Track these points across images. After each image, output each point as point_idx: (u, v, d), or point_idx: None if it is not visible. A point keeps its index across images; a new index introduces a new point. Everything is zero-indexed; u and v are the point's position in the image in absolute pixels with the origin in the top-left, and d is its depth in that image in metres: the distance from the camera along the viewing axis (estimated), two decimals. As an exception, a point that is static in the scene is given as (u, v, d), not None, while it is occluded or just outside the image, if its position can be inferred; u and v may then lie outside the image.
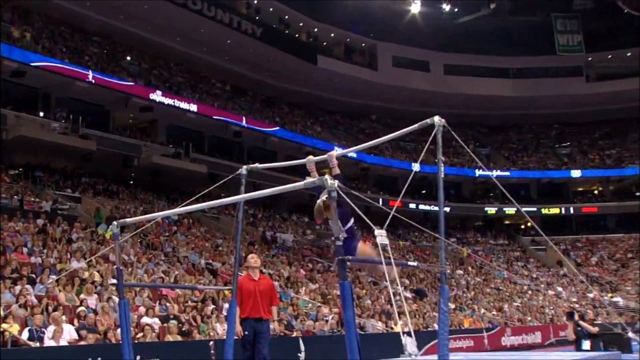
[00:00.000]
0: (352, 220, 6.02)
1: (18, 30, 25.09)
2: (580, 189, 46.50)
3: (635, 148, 45.61)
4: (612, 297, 33.14)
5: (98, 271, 14.39)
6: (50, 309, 11.20)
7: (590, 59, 44.55)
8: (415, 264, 5.42)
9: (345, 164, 37.99)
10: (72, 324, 11.02)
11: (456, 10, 41.56)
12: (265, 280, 7.77)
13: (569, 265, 33.67)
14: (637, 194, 44.48)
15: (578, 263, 39.15)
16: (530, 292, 32.01)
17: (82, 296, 12.44)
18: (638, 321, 27.28)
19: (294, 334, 13.69)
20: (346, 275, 4.08)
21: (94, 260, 14.26)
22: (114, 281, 12.88)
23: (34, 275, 12.78)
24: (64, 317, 10.93)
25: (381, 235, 4.11)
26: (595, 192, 46.33)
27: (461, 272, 32.28)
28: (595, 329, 10.98)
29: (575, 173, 43.86)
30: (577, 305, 27.57)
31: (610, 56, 44.84)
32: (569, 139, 48.54)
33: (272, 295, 7.63)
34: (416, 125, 5.96)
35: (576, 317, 11.21)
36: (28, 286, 11.99)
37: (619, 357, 8.77)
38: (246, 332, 7.20)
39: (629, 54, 44.26)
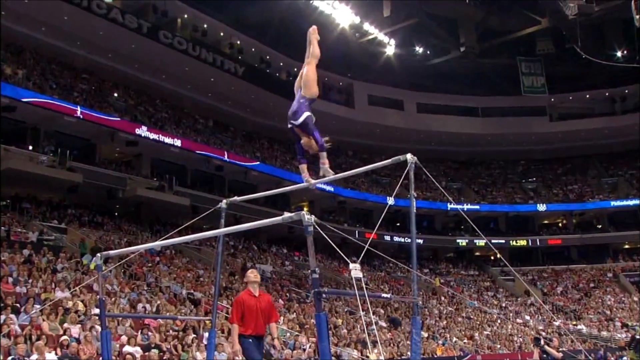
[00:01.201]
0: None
1: (10, 67, 25.00)
2: (546, 221, 46.94)
3: (594, 183, 46.41)
4: (576, 325, 33.29)
5: (82, 301, 14.16)
6: (33, 338, 10.98)
7: (552, 99, 45.41)
8: (388, 295, 5.45)
9: (322, 197, 38.15)
10: (55, 353, 10.80)
11: (428, 52, 42.35)
12: (265, 297, 7.17)
13: (535, 295, 33.87)
14: (598, 226, 45.11)
15: (544, 292, 39.36)
16: (499, 320, 32.02)
17: (65, 325, 12.22)
18: (601, 348, 27.43)
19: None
20: (322, 307, 4.08)
21: (78, 290, 14.05)
22: (97, 311, 12.68)
23: (18, 305, 12.53)
24: (47, 347, 10.70)
25: (355, 269, 4.12)
26: (559, 224, 46.81)
27: (434, 301, 32.25)
28: (560, 355, 11.02)
29: (541, 207, 44.31)
30: (544, 333, 27.60)
31: (571, 97, 45.87)
32: (534, 174, 49.15)
33: (272, 312, 7.04)
34: (389, 160, 6.03)
35: (542, 342, 11.23)
36: (12, 315, 11.77)
37: (583, 384, 8.79)
38: (248, 350, 6.57)
39: (587, 96, 45.49)
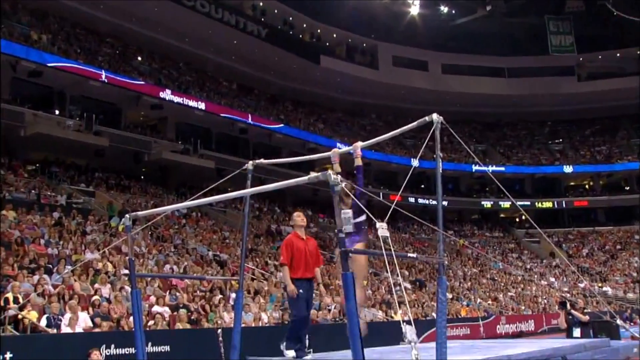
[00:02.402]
0: (363, 217, 6.02)
1: (36, 33, 25.12)
2: (572, 183, 46.45)
3: (623, 145, 45.57)
4: (601, 287, 33.15)
5: (111, 262, 14.44)
6: (66, 297, 11.26)
7: (581, 59, 44.48)
8: (414, 255, 5.43)
9: (347, 160, 37.95)
10: (87, 312, 11.08)
11: (453, 12, 41.54)
12: (312, 241, 7.10)
13: (561, 256, 33.73)
14: (626, 188, 44.47)
15: (570, 254, 39.16)
16: (524, 282, 32.02)
17: (96, 286, 12.50)
18: (627, 309, 27.32)
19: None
20: (348, 267, 4.09)
21: (107, 251, 14.31)
22: (127, 272, 12.93)
23: (50, 266, 12.83)
24: (79, 306, 10.98)
25: (382, 228, 4.11)
26: (586, 186, 46.27)
27: (458, 263, 32.30)
28: (586, 317, 10.99)
29: (567, 168, 43.81)
30: (568, 295, 27.57)
31: (600, 57, 44.81)
32: (561, 136, 48.47)
33: (318, 256, 7.01)
34: (415, 123, 5.95)
35: (568, 306, 11.21)
36: (45, 276, 12.06)
37: (608, 344, 8.76)
38: (301, 291, 6.50)
39: (618, 55, 44.25)
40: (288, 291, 6.57)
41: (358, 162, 6.49)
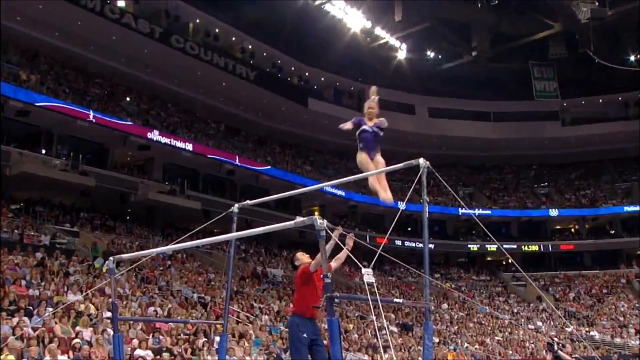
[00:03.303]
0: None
1: (25, 72, 25.24)
2: (558, 227, 46.60)
3: (608, 188, 46.04)
4: (588, 331, 32.99)
5: (93, 304, 14.22)
6: (46, 341, 11.03)
7: (565, 104, 45.18)
8: (400, 301, 5.42)
9: (334, 202, 38.13)
10: (67, 355, 10.85)
11: (440, 57, 42.36)
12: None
13: (547, 301, 33.60)
14: (612, 232, 44.74)
15: (556, 298, 39.04)
16: (511, 326, 31.82)
17: (77, 328, 12.28)
18: (614, 355, 27.19)
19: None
20: (334, 312, 4.07)
21: (90, 293, 14.11)
22: (109, 314, 12.73)
23: (31, 308, 12.61)
24: (59, 349, 10.75)
25: (367, 274, 4.11)
26: (572, 230, 46.47)
27: (446, 306, 32.10)
28: (573, 362, 10.93)
29: (553, 212, 44.03)
30: (556, 339, 27.41)
31: (583, 102, 45.62)
32: (546, 179, 48.86)
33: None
34: (401, 164, 6.02)
35: (555, 348, 11.16)
36: (25, 318, 11.84)
37: (596, 391, 8.72)
38: (305, 335, 5.84)
39: (601, 100, 45.16)
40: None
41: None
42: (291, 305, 6.50)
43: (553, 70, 42.49)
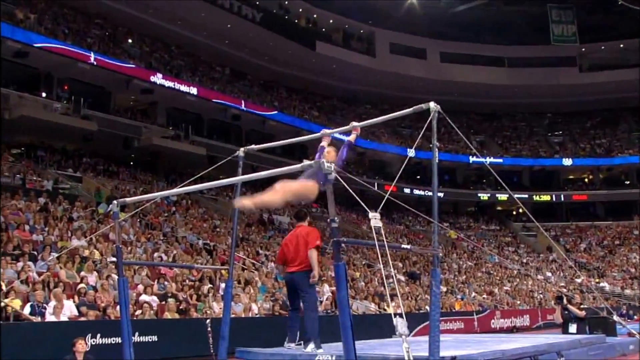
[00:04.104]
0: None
1: (22, 11, 24.90)
2: (571, 176, 46.60)
3: (624, 138, 45.72)
4: (599, 282, 33.35)
5: (98, 249, 14.42)
6: (51, 285, 11.24)
7: (583, 49, 44.47)
8: (408, 246, 5.43)
9: (339, 147, 37.89)
10: (73, 300, 11.07)
11: (453, -2, 41.44)
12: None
13: (558, 250, 33.85)
14: (626, 182, 44.66)
15: (567, 249, 39.34)
16: (520, 276, 32.18)
17: (82, 273, 12.48)
18: (623, 306, 27.53)
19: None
20: (341, 257, 4.09)
21: (94, 238, 14.29)
22: (114, 259, 12.92)
23: (35, 253, 12.79)
24: (64, 294, 10.96)
25: (375, 218, 4.12)
26: (585, 180, 46.42)
27: (454, 256, 32.42)
28: (582, 313, 11.05)
29: (567, 161, 43.94)
30: (565, 290, 27.75)
31: (603, 47, 44.78)
32: (561, 128, 48.57)
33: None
34: (411, 109, 5.93)
35: (564, 301, 11.27)
36: (30, 263, 12.02)
37: (604, 340, 8.83)
38: None
39: (621, 46, 44.19)
40: (313, 277, 6.51)
41: (352, 137, 6.48)
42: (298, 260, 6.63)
43: (572, 13, 41.60)
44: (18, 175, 19.63)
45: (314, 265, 6.51)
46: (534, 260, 37.51)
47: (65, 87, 26.20)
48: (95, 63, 25.44)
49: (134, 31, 32.07)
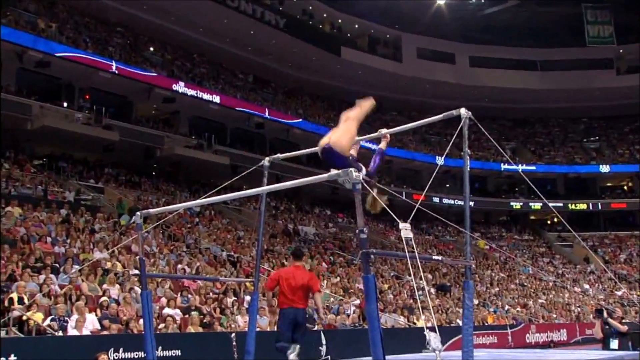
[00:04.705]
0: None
1: (43, 21, 25.37)
2: (609, 184, 45.91)
3: (665, 142, 44.92)
4: (640, 295, 32.71)
5: (120, 262, 14.56)
6: (73, 298, 11.37)
7: (621, 51, 43.85)
8: (440, 258, 5.40)
9: (367, 156, 37.89)
10: (95, 313, 11.18)
11: (482, 1, 41.18)
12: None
13: (596, 261, 33.28)
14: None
15: (606, 260, 38.67)
16: (555, 288, 31.74)
17: (104, 286, 12.61)
18: (667, 320, 26.94)
19: (315, 328, 13.74)
20: (370, 269, 4.08)
21: (116, 250, 14.44)
22: (137, 272, 13.03)
23: (57, 265, 12.96)
24: (86, 307, 11.08)
25: (405, 229, 4.10)
26: (625, 187, 45.69)
27: (486, 267, 32.10)
28: (625, 328, 10.83)
29: (604, 168, 43.30)
30: (604, 303, 27.27)
31: (641, 48, 44.12)
32: (597, 133, 47.92)
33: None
34: (440, 115, 5.93)
35: (605, 314, 11.06)
36: (52, 275, 12.19)
37: (647, 356, 8.65)
38: None
39: (661, 46, 43.47)
40: (321, 319, 7.17)
41: (383, 145, 6.39)
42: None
43: (609, 13, 41.10)
44: (40, 187, 19.93)
45: (320, 307, 7.55)
46: (571, 271, 36.97)
47: (87, 97, 26.55)
48: (116, 72, 25.77)
49: (155, 39, 32.46)
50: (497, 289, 28.17)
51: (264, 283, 7.71)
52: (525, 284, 31.15)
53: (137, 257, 11.63)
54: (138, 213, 6.40)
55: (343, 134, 5.59)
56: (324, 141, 5.49)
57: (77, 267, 12.60)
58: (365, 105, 5.86)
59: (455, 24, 40.79)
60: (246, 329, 7.33)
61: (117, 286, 12.87)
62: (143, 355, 6.40)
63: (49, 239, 14.58)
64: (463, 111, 5.61)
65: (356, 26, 40.68)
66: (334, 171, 4.18)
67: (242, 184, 19.28)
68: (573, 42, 42.77)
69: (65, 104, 25.48)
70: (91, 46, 26.48)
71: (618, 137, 47.16)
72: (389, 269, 24.90)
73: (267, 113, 32.01)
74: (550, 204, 37.25)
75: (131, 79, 26.60)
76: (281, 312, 7.15)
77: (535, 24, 42.28)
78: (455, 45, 43.26)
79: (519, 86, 43.71)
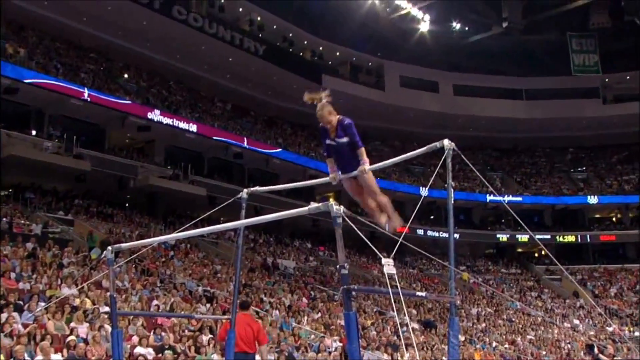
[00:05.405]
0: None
1: (12, 46, 25.29)
2: (597, 215, 46.29)
3: (655, 173, 45.50)
4: (632, 331, 32.79)
5: (90, 298, 14.32)
6: (37, 338, 11.13)
7: (607, 80, 44.68)
8: (423, 294, 5.38)
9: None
10: (61, 354, 10.95)
11: (467, 29, 41.89)
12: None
13: (585, 296, 33.37)
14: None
15: (595, 294, 38.83)
16: (544, 324, 31.73)
17: (72, 324, 12.37)
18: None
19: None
20: (351, 306, 4.05)
21: (86, 286, 14.21)
22: (107, 309, 12.83)
23: (21, 302, 12.71)
24: (52, 347, 10.85)
25: (388, 265, 4.09)
26: (614, 219, 46.10)
27: (472, 302, 32.07)
28: (615, 365, 10.86)
29: (592, 199, 43.68)
30: (595, 340, 27.31)
31: (628, 77, 44.90)
32: (584, 164, 48.46)
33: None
34: (424, 148, 5.96)
35: (596, 350, 11.09)
36: (15, 314, 11.93)
37: (640, 395, 8.66)
38: None
39: (647, 75, 44.35)
40: None
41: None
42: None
43: (594, 41, 41.92)
44: (5, 219, 19.65)
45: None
46: (560, 306, 37.02)
47: (57, 125, 26.40)
48: (89, 99, 25.71)
49: (130, 65, 32.49)
50: (484, 324, 28.10)
51: (218, 332, 8.27)
52: (513, 319, 31.13)
53: (108, 294, 11.47)
54: (109, 248, 6.32)
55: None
56: None
57: (42, 304, 12.37)
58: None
59: (439, 52, 41.36)
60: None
61: (86, 324, 12.63)
62: (112, 398, 6.28)
63: (12, 275, 14.33)
64: (446, 142, 5.64)
65: (338, 53, 41.07)
66: (313, 204, 4.17)
67: (219, 216, 19.22)
68: (559, 71, 43.49)
69: (34, 132, 25.32)
70: (62, 72, 26.43)
71: (606, 167, 47.74)
72: (372, 304, 24.78)
73: (245, 142, 32.03)
74: (538, 236, 37.66)
75: (104, 106, 26.55)
76: (235, 355, 7.73)
77: (520, 52, 42.99)
78: (439, 74, 43.80)
79: (504, 115, 44.30)
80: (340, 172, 5.99)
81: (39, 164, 23.92)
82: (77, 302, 13.76)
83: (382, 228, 5.86)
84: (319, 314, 20.39)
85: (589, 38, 42.17)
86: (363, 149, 5.82)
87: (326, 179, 6.72)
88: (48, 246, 17.89)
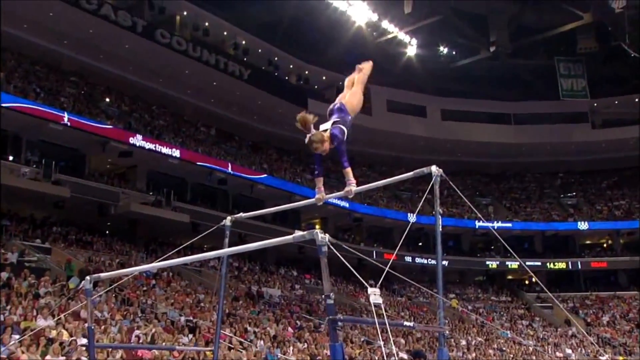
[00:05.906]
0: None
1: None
2: (588, 242, 46.48)
3: (645, 199, 45.84)
4: (625, 360, 32.80)
5: (67, 330, 14.15)
6: (12, 371, 10.97)
7: (595, 104, 45.12)
8: (411, 324, 5.36)
9: (337, 214, 38.10)
10: (37, 388, 10.79)
11: (454, 53, 42.36)
12: None
13: (577, 325, 33.37)
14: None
15: (588, 322, 38.86)
16: (536, 353, 31.65)
17: (47, 358, 12.21)
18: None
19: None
20: (337, 337, 4.03)
21: (63, 317, 14.04)
22: (85, 341, 12.66)
23: (-5, 334, 12.55)
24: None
25: (374, 294, 4.08)
26: (604, 245, 46.31)
27: (461, 331, 31.99)
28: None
29: (582, 225, 43.85)
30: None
31: (616, 102, 45.48)
32: (574, 189, 48.73)
33: None
34: (411, 173, 5.99)
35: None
36: (-12, 346, 11.77)
37: None
38: None
39: (637, 100, 44.91)
40: None
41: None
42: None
43: (582, 66, 42.45)
44: (-21, 248, 19.46)
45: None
46: (552, 335, 36.98)
47: (36, 150, 26.26)
48: (68, 124, 25.59)
49: (111, 89, 32.44)
50: (474, 354, 28.00)
51: None
52: (504, 348, 31.04)
53: (86, 325, 11.34)
54: (87, 278, 6.26)
55: (352, 95, 7.22)
56: (338, 100, 6.99)
57: (16, 336, 12.20)
58: (366, 69, 7.38)
59: (426, 76, 41.72)
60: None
61: (62, 357, 12.47)
62: None
63: (-14, 306, 14.16)
64: (434, 169, 5.68)
65: (324, 77, 41.27)
66: (298, 232, 4.17)
67: (203, 243, 19.13)
68: (547, 95, 43.95)
69: (11, 158, 25.15)
70: (41, 96, 26.36)
71: (596, 192, 48.04)
72: (360, 333, 24.64)
73: (230, 168, 31.98)
74: (528, 263, 37.77)
75: (84, 131, 26.40)
76: None
77: (508, 77, 43.46)
78: (426, 98, 44.12)
79: (492, 140, 44.62)
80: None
81: (16, 191, 23.69)
82: (53, 333, 13.60)
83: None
84: (305, 344, 20.25)
85: (577, 62, 42.72)
86: (350, 169, 6.00)
87: (312, 200, 6.75)
88: (24, 275, 17.71)
